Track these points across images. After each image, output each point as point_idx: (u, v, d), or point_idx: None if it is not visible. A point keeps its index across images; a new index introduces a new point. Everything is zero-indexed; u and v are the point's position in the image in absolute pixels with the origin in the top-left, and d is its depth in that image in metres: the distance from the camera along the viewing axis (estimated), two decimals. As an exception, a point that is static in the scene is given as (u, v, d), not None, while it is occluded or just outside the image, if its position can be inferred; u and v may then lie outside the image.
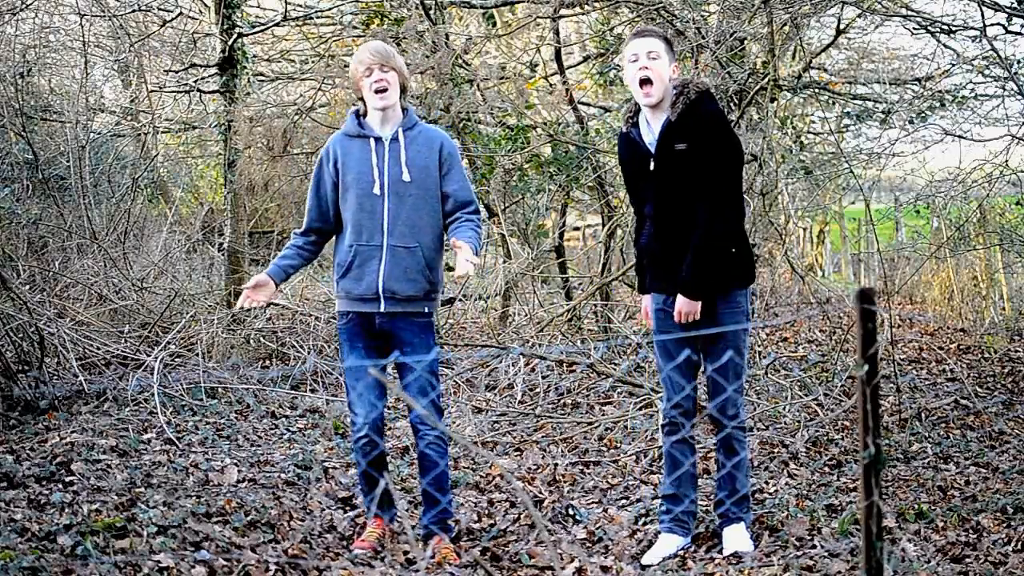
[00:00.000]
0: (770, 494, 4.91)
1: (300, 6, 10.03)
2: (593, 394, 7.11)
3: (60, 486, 4.42)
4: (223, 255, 9.29)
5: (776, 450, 5.76)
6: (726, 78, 7.60)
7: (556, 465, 5.56)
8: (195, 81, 10.47)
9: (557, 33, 8.55)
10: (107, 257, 8.91)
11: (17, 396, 6.08)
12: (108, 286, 8.61)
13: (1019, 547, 3.99)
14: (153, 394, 6.12)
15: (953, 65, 9.27)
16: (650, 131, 4.12)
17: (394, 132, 4.19)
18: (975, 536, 4.20)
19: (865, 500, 2.23)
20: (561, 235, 9.80)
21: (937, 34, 8.58)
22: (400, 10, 8.28)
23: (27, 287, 7.78)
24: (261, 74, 10.15)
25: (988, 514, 4.44)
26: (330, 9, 9.26)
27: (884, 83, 9.98)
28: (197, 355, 7.20)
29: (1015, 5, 7.23)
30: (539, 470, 5.49)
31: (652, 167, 4.10)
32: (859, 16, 8.34)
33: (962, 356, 8.76)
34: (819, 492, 4.92)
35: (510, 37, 9.83)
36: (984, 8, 7.10)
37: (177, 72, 10.47)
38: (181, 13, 10.20)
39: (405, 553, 4.21)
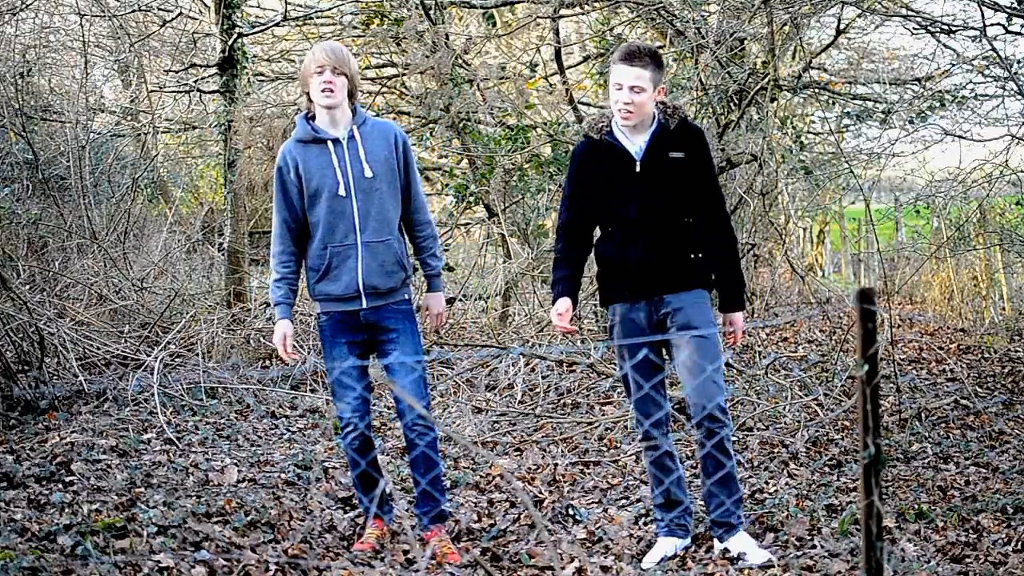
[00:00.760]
0: (770, 494, 4.91)
1: (300, 6, 10.02)
2: (593, 394, 7.11)
3: (60, 486, 4.42)
4: (223, 255, 9.29)
5: (776, 450, 5.76)
6: (726, 78, 7.60)
7: (556, 465, 5.56)
8: (195, 81, 10.47)
9: (557, 33, 8.54)
10: (107, 257, 8.91)
11: (17, 396, 6.08)
12: (108, 286, 8.61)
13: (1019, 547, 3.99)
14: (153, 394, 6.12)
15: (953, 65, 9.28)
16: (630, 140, 4.13)
17: (348, 131, 4.21)
18: (975, 536, 4.20)
19: (865, 500, 2.23)
20: (561, 235, 9.78)
21: (937, 34, 8.58)
22: (400, 10, 8.28)
23: (27, 287, 7.78)
24: (261, 74, 10.15)
25: (988, 514, 4.44)
26: (330, 9, 9.25)
27: (884, 83, 9.98)
28: (197, 355, 7.20)
29: (1015, 5, 7.23)
30: (539, 470, 5.49)
31: (638, 170, 4.09)
32: (859, 16, 8.34)
33: (962, 356, 8.76)
34: (819, 492, 4.92)
35: (510, 37, 9.83)
36: (984, 8, 7.11)
37: (177, 72, 10.47)
38: (181, 13, 10.19)
39: (405, 553, 4.21)
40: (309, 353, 7.64)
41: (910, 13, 8.33)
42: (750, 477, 5.24)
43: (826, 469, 5.44)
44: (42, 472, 4.59)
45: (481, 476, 5.39)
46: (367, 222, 4.16)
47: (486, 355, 7.64)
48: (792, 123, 9.48)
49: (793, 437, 5.91)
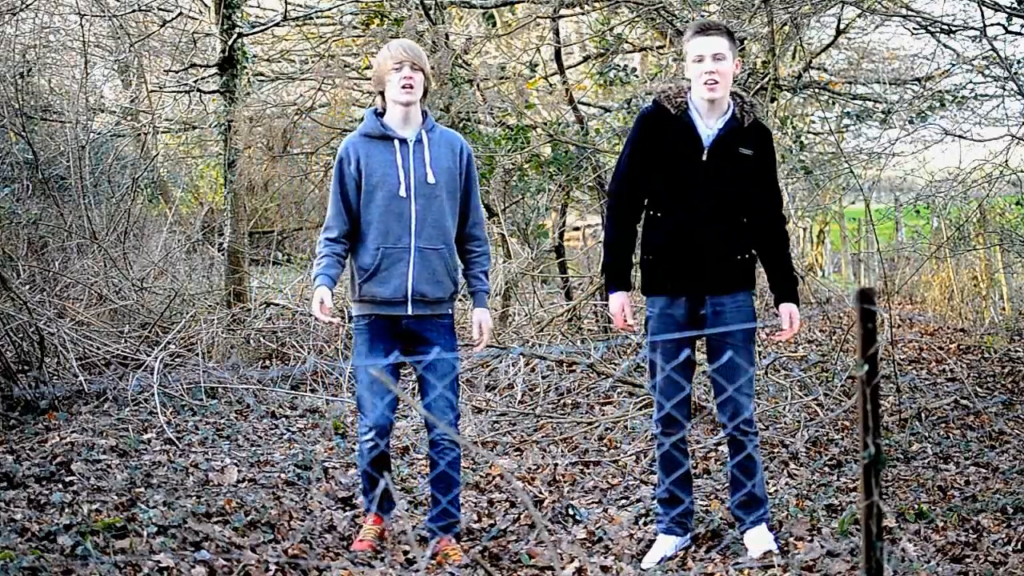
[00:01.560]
0: (770, 494, 4.91)
1: (300, 6, 10.02)
2: (593, 394, 7.11)
3: (60, 486, 4.42)
4: (223, 255, 9.29)
5: (776, 450, 5.76)
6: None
7: (556, 465, 5.56)
8: (195, 81, 10.47)
9: (557, 33, 8.55)
10: (107, 257, 8.91)
11: (17, 396, 6.07)
12: (108, 286, 8.61)
13: (1019, 547, 3.99)
14: (153, 394, 6.12)
15: (953, 65, 9.27)
16: (705, 124, 4.06)
17: (417, 134, 4.15)
18: (975, 536, 4.20)
19: (865, 500, 2.23)
20: (561, 235, 9.81)
21: (937, 34, 8.58)
22: (400, 10, 8.28)
23: (27, 287, 7.78)
24: (261, 74, 10.15)
25: (988, 514, 4.44)
26: (330, 9, 9.25)
27: (884, 83, 9.98)
28: (197, 355, 7.20)
29: (1015, 5, 7.23)
30: (539, 470, 5.49)
31: (704, 158, 4.03)
32: (859, 16, 8.34)
33: (962, 356, 8.76)
34: (819, 492, 4.92)
35: (510, 37, 9.83)
36: (984, 8, 7.10)
37: (177, 72, 10.47)
38: (181, 13, 10.20)
39: (405, 553, 4.21)
40: (309, 353, 7.64)
41: (910, 13, 8.33)
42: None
43: (826, 469, 5.44)
44: (42, 472, 4.59)
45: (481, 476, 5.39)
46: (423, 227, 4.09)
47: (486, 355, 7.64)
48: (792, 123, 9.47)
49: (793, 437, 5.91)
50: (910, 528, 4.34)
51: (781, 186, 4.22)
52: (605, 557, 4.20)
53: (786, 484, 5.10)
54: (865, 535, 2.25)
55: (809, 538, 4.23)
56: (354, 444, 5.84)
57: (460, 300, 8.98)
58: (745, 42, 8.18)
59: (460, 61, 8.50)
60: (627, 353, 7.76)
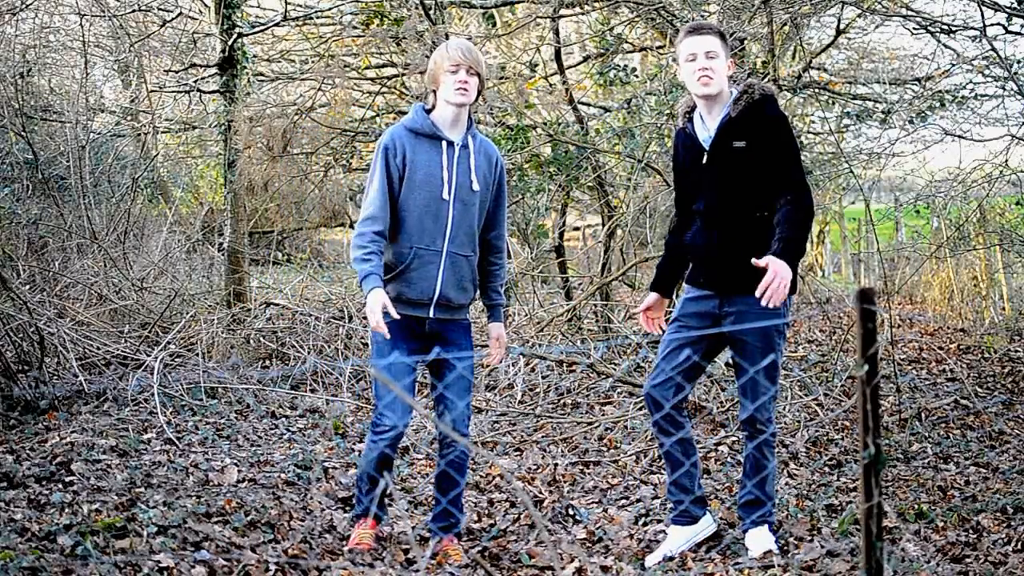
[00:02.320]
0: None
1: (300, 6, 10.02)
2: (593, 394, 7.11)
3: (60, 486, 4.42)
4: (223, 255, 9.29)
5: (776, 450, 5.76)
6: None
7: (556, 465, 5.56)
8: (195, 81, 10.47)
9: (557, 33, 8.54)
10: (107, 257, 8.91)
11: (17, 396, 6.07)
12: (108, 286, 8.61)
13: (1019, 547, 3.99)
14: (153, 394, 6.12)
15: (953, 65, 9.27)
16: (705, 128, 4.08)
17: (463, 138, 4.12)
18: (975, 536, 4.20)
19: (865, 500, 2.23)
20: (561, 235, 9.81)
21: (937, 34, 8.58)
22: (400, 10, 8.28)
23: (27, 287, 7.78)
24: (261, 74, 10.14)
25: (988, 514, 4.44)
26: (330, 9, 9.25)
27: (884, 83, 9.98)
28: (197, 355, 7.20)
29: (1015, 5, 7.23)
30: (539, 470, 5.48)
31: (705, 161, 4.06)
32: (859, 16, 8.34)
33: (962, 356, 8.76)
34: (819, 492, 4.92)
35: (510, 37, 9.83)
36: (984, 8, 7.10)
37: (177, 72, 10.47)
38: (181, 13, 10.19)
39: (405, 553, 4.21)
40: (309, 353, 7.64)
41: (910, 13, 8.32)
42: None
43: (826, 469, 5.44)
44: (42, 472, 4.59)
45: (481, 476, 5.39)
46: (458, 233, 4.07)
47: (486, 355, 7.64)
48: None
49: (793, 437, 5.91)
50: (910, 528, 4.34)
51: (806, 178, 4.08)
52: (605, 557, 4.20)
53: (786, 484, 5.10)
54: (865, 535, 2.25)
55: (809, 538, 4.23)
56: (354, 444, 5.84)
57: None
58: (745, 42, 8.18)
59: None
60: (627, 353, 7.76)
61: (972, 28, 8.02)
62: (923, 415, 6.40)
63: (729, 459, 5.59)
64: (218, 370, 7.02)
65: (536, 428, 6.40)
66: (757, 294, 3.78)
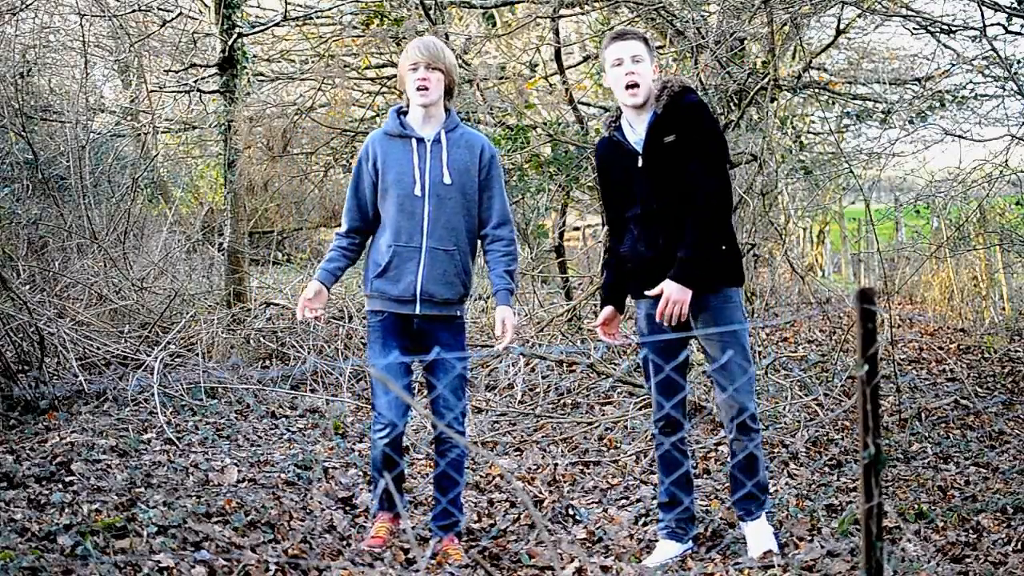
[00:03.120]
0: (770, 494, 4.91)
1: (300, 6, 10.02)
2: (593, 394, 7.11)
3: (60, 486, 4.42)
4: (223, 255, 9.29)
5: (776, 450, 5.76)
6: (726, 78, 7.60)
7: (556, 465, 5.56)
8: (195, 81, 10.47)
9: (557, 33, 8.54)
10: (107, 257, 8.91)
11: (17, 396, 6.07)
12: (108, 286, 8.61)
13: (1019, 547, 3.99)
14: (153, 394, 6.12)
15: (953, 65, 9.27)
16: (634, 131, 4.09)
17: (436, 133, 4.15)
18: (975, 536, 4.20)
19: (865, 500, 2.23)
20: (561, 235, 9.81)
21: (937, 34, 8.58)
22: (400, 10, 8.28)
23: (27, 287, 7.78)
24: (261, 74, 10.14)
25: (988, 514, 4.44)
26: (330, 9, 9.25)
27: (884, 83, 9.98)
28: (197, 355, 7.20)
29: (1015, 5, 7.23)
30: (539, 470, 5.48)
31: (640, 164, 4.05)
32: (859, 16, 8.34)
33: (962, 356, 8.76)
34: (819, 492, 4.92)
35: (510, 37, 9.83)
36: (984, 8, 7.10)
37: (177, 72, 10.47)
38: (181, 13, 10.19)
39: (405, 553, 4.21)
40: (309, 353, 7.64)
41: (910, 13, 8.33)
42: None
43: (826, 469, 5.44)
44: (42, 472, 4.59)
45: (481, 476, 5.39)
46: (435, 228, 4.10)
47: (486, 355, 7.64)
48: (792, 123, 9.48)
49: (793, 437, 5.91)
50: (910, 528, 4.34)
51: (732, 170, 4.12)
52: (605, 557, 4.20)
53: (786, 484, 5.10)
54: (865, 535, 2.25)
55: (809, 538, 4.23)
56: (354, 444, 5.84)
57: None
58: (745, 42, 8.19)
59: (460, 61, 8.49)
60: (627, 353, 7.76)
61: (972, 28, 8.02)
62: (923, 415, 6.40)
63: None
64: (218, 370, 7.02)
65: (536, 428, 6.40)
66: (657, 320, 3.93)
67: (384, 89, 9.62)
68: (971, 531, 4.28)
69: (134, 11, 10.51)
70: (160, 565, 3.61)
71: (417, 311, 4.12)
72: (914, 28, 8.44)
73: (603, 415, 6.58)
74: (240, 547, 3.96)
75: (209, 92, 9.99)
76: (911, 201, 11.07)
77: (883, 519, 2.27)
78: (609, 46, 4.07)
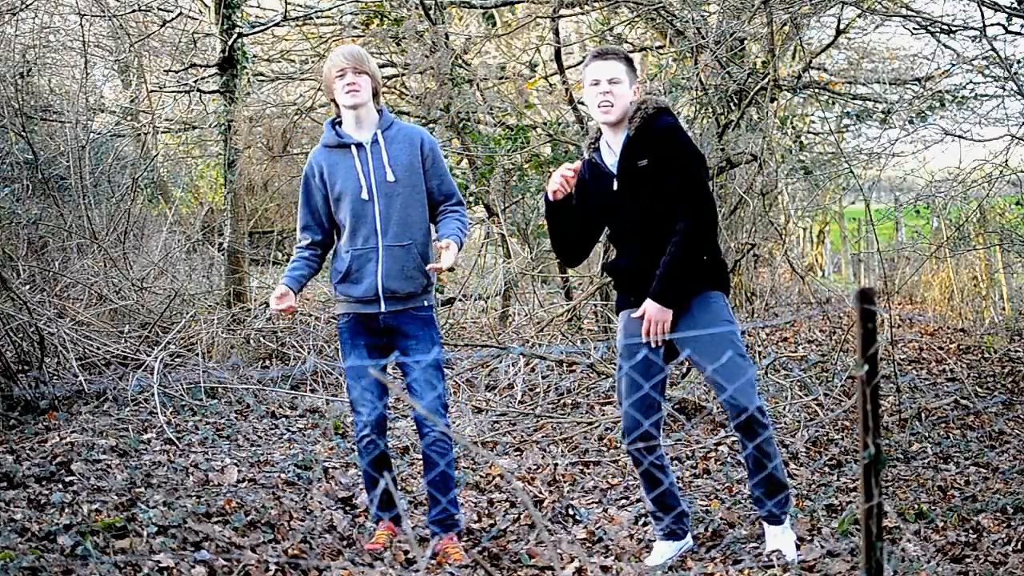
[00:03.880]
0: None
1: (300, 6, 10.02)
2: (593, 394, 7.10)
3: (60, 486, 4.42)
4: (223, 255, 9.29)
5: (776, 450, 5.76)
6: (726, 78, 7.60)
7: (556, 465, 5.56)
8: (195, 81, 10.47)
9: (557, 33, 8.54)
10: (107, 257, 8.91)
11: (17, 396, 6.07)
12: (108, 286, 8.61)
13: (1019, 547, 3.99)
14: (153, 394, 6.12)
15: (953, 65, 9.28)
16: (611, 152, 4.10)
17: (372, 135, 4.23)
18: (975, 536, 4.20)
19: (865, 501, 2.23)
20: (561, 235, 9.78)
21: (937, 34, 8.58)
22: (400, 10, 8.28)
23: (27, 287, 7.78)
24: (261, 74, 10.14)
25: (988, 514, 4.44)
26: (330, 9, 9.25)
27: (884, 83, 9.98)
28: (197, 355, 7.20)
29: (1015, 5, 7.23)
30: (539, 470, 5.49)
31: (616, 187, 4.07)
32: (859, 16, 8.34)
33: (962, 356, 8.76)
34: (819, 492, 4.92)
35: (510, 37, 9.83)
36: (984, 8, 7.11)
37: (177, 72, 10.47)
38: (181, 13, 10.19)
39: (405, 553, 4.21)
40: (309, 353, 7.64)
41: (910, 13, 8.33)
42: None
43: (826, 469, 5.44)
44: (42, 472, 4.59)
45: (481, 476, 5.39)
46: (388, 226, 4.18)
47: (486, 355, 7.64)
48: (792, 123, 9.48)
49: (793, 437, 5.92)
50: (910, 528, 4.34)
51: (714, 189, 4.11)
52: (605, 557, 4.20)
53: (786, 484, 5.10)
54: (865, 535, 2.25)
55: (809, 538, 4.23)
56: (354, 444, 5.84)
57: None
58: (745, 42, 8.19)
59: (460, 61, 8.50)
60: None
61: (972, 28, 8.02)
62: (923, 415, 6.40)
63: (729, 459, 5.59)
64: (218, 370, 7.02)
65: (536, 428, 6.40)
66: (642, 340, 3.96)
67: (384, 89, 9.60)
68: (971, 531, 4.28)
69: (134, 11, 10.51)
70: (160, 565, 3.61)
71: (382, 309, 4.19)
72: (914, 28, 8.45)
73: (603, 415, 6.58)
74: (240, 547, 3.96)
75: (209, 92, 9.99)
76: (911, 201, 11.07)
77: (883, 519, 2.27)
78: (589, 64, 4.09)
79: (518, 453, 5.91)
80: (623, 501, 4.97)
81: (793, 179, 11.32)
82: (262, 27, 9.17)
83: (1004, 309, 10.82)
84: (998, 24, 7.65)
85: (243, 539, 4.06)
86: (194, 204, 15.01)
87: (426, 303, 4.26)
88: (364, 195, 4.18)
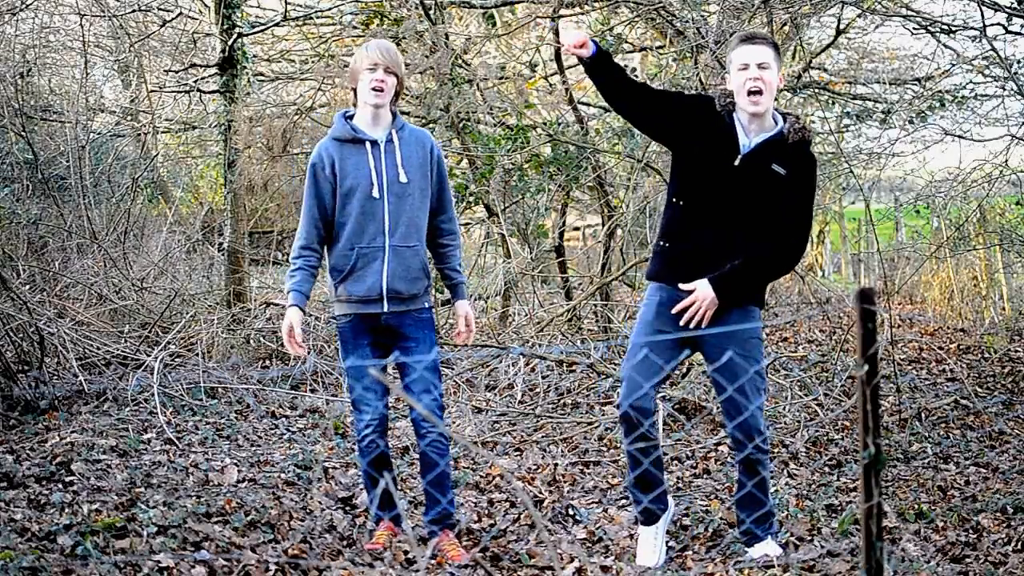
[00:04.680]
0: (770, 494, 4.91)
1: (300, 6, 10.02)
2: (593, 394, 7.10)
3: (60, 486, 4.42)
4: (223, 255, 9.29)
5: (776, 450, 5.76)
6: (726, 78, 7.59)
7: (556, 465, 5.56)
8: (195, 81, 10.47)
9: (557, 33, 8.54)
10: (107, 257, 8.91)
11: (17, 396, 6.07)
12: (108, 286, 8.60)
13: (1019, 547, 3.99)
14: (153, 394, 6.12)
15: (953, 65, 9.28)
16: (745, 133, 3.97)
17: (387, 134, 4.19)
18: (975, 536, 4.20)
19: (865, 501, 2.23)
20: (561, 235, 9.80)
21: (937, 34, 8.58)
22: (400, 10, 8.28)
23: (27, 287, 7.78)
24: (261, 74, 10.15)
25: (988, 514, 4.44)
26: (330, 9, 9.25)
27: (884, 83, 9.99)
28: (197, 355, 7.20)
29: (1015, 5, 7.23)
30: (539, 470, 5.48)
31: (737, 163, 3.91)
32: (859, 16, 8.34)
33: (962, 356, 8.76)
34: (819, 492, 4.92)
35: (510, 37, 9.83)
36: (984, 8, 7.10)
37: (177, 72, 10.47)
38: (181, 13, 10.19)
39: (405, 553, 4.21)
40: (310, 353, 7.64)
41: (910, 13, 8.33)
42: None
43: (826, 469, 5.44)
44: (42, 472, 4.59)
45: (481, 476, 5.39)
46: (397, 226, 4.14)
47: (486, 355, 7.64)
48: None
49: (793, 437, 5.92)
50: (910, 528, 4.34)
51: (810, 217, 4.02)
52: (605, 557, 4.20)
53: (786, 484, 5.10)
54: (865, 535, 2.25)
55: (809, 538, 4.23)
56: (354, 444, 5.84)
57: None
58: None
59: (460, 61, 8.50)
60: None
61: (972, 28, 8.02)
62: (923, 415, 6.40)
63: (729, 459, 5.59)
64: (218, 370, 7.02)
65: (536, 428, 6.40)
66: (674, 311, 3.88)
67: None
68: (971, 531, 4.28)
69: (134, 11, 10.51)
70: (160, 565, 3.61)
71: (385, 309, 4.16)
72: (914, 28, 8.44)
73: (603, 415, 6.58)
74: (240, 547, 3.96)
75: (209, 92, 9.99)
76: (911, 201, 11.06)
77: (883, 519, 2.27)
78: (737, 48, 3.94)
79: (518, 453, 5.91)
80: (623, 501, 4.97)
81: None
82: (262, 27, 9.17)
83: (1004, 309, 10.82)
84: (998, 24, 7.65)
85: (243, 539, 4.06)
86: (194, 204, 15.01)
87: (426, 304, 4.26)
88: (375, 193, 4.12)
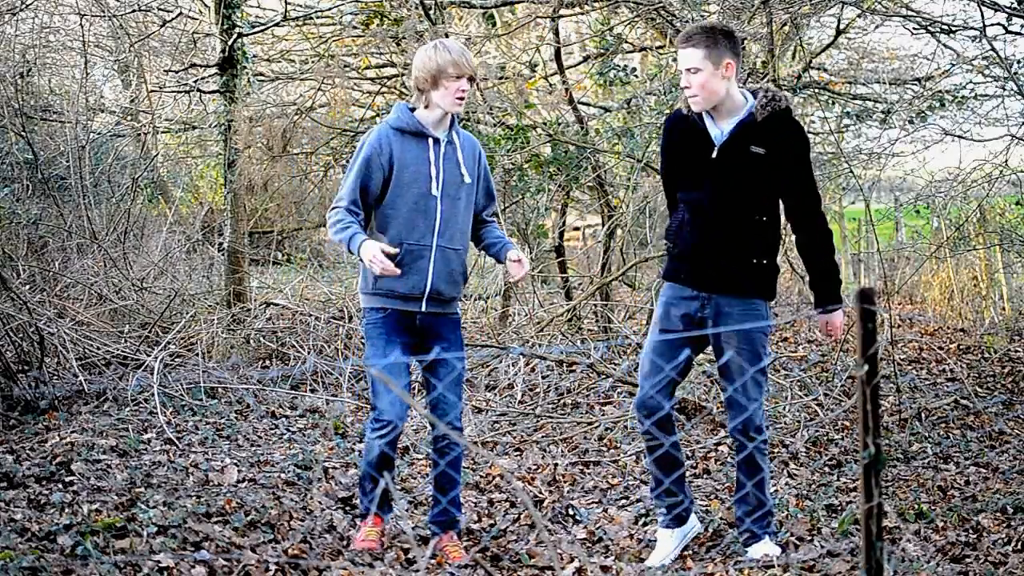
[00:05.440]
0: (770, 494, 4.91)
1: (300, 6, 10.02)
2: (593, 394, 7.10)
3: (60, 486, 4.42)
4: (223, 255, 9.29)
5: (776, 450, 5.76)
6: None
7: (556, 465, 5.56)
8: (195, 81, 10.47)
9: (557, 33, 8.54)
10: (107, 257, 8.91)
11: (17, 396, 6.07)
12: (108, 286, 8.60)
13: (1019, 547, 3.99)
14: (153, 394, 6.12)
15: (953, 65, 9.28)
16: (715, 125, 4.00)
17: (447, 134, 4.17)
18: (975, 536, 4.20)
19: (865, 501, 2.23)
20: (561, 235, 9.80)
21: (937, 34, 8.58)
22: (400, 10, 8.28)
23: (27, 287, 7.78)
24: (261, 74, 10.14)
25: (988, 514, 4.44)
26: (330, 9, 9.25)
27: (884, 83, 9.99)
28: (197, 355, 7.20)
29: (1015, 5, 7.23)
30: (539, 470, 5.48)
31: (714, 156, 3.96)
32: (859, 16, 8.34)
33: (962, 356, 8.76)
34: (819, 492, 4.92)
35: (510, 37, 9.82)
36: (984, 8, 7.10)
37: (177, 72, 10.47)
38: (181, 13, 10.19)
39: (405, 553, 4.21)
40: (309, 353, 7.64)
41: (910, 13, 8.32)
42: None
43: (826, 469, 5.44)
44: (42, 472, 4.59)
45: (481, 476, 5.39)
46: (447, 227, 4.11)
47: (486, 355, 7.64)
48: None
49: (793, 437, 5.92)
50: (910, 528, 4.34)
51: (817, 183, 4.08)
52: (605, 557, 4.20)
53: (786, 484, 5.10)
54: (865, 535, 2.25)
55: (809, 538, 4.23)
56: (354, 444, 5.83)
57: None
58: (745, 42, 8.17)
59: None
60: (627, 353, 7.76)
61: (972, 28, 8.02)
62: (923, 415, 6.40)
63: (729, 459, 5.58)
64: (218, 370, 7.02)
65: (536, 428, 6.40)
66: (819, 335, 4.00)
67: (384, 89, 9.61)
68: (971, 531, 4.28)
69: (134, 11, 10.51)
70: (160, 565, 3.61)
71: (423, 309, 4.13)
72: (914, 28, 8.44)
73: (603, 415, 6.58)
74: (240, 547, 3.96)
75: (209, 92, 9.98)
76: (911, 201, 11.06)
77: (883, 519, 2.27)
78: (677, 50, 4.04)
79: (518, 453, 5.91)
80: (623, 501, 4.97)
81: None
82: (262, 27, 9.17)
83: (1004, 309, 10.82)
84: (998, 24, 7.65)
85: (243, 539, 4.06)
86: (194, 204, 15.01)
87: (457, 309, 4.27)
88: (433, 190, 4.08)
